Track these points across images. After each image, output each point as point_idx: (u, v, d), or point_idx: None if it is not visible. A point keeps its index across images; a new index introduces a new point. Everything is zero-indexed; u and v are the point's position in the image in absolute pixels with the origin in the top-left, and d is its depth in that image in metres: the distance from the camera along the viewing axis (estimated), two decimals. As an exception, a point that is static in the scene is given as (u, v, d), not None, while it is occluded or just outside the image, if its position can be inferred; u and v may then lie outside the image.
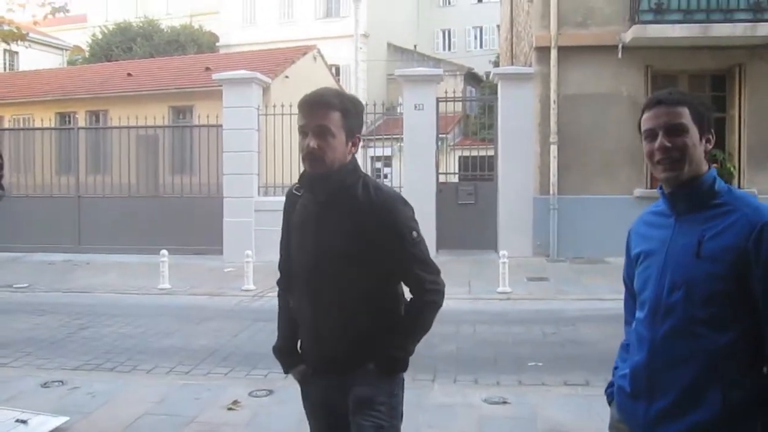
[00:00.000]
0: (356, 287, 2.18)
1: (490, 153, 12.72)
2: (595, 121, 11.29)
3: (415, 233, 2.20)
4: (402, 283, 2.30)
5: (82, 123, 17.49)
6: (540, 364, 5.68)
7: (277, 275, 2.44)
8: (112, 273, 10.43)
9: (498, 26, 28.36)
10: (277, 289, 2.48)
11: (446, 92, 12.05)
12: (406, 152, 11.88)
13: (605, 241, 10.41)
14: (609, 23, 11.23)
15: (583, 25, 11.36)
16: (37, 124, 14.56)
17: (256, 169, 12.06)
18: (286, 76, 18.71)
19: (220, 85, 12.47)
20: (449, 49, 39.14)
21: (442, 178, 12.53)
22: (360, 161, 9.18)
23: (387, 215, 2.16)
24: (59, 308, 8.16)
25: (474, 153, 13.29)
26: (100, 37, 31.53)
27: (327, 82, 21.83)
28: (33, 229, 12.79)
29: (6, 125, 18.79)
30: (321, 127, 2.13)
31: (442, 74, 12.34)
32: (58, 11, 17.48)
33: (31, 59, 28.57)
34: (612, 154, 11.16)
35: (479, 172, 12.69)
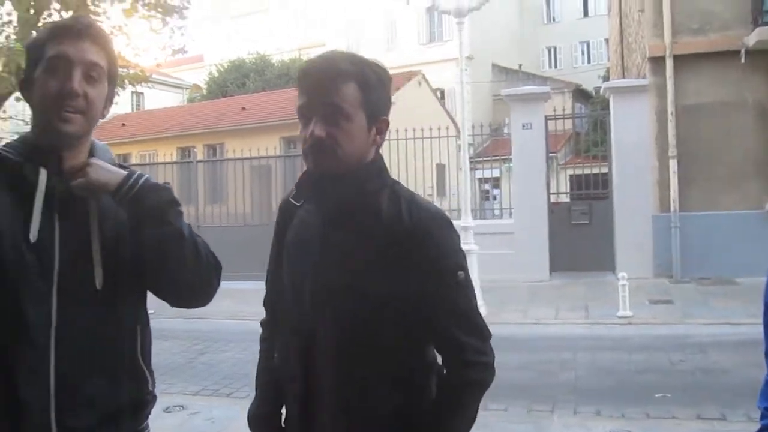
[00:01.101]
0: (370, 348, 1.47)
1: (603, 170, 12.26)
2: (717, 132, 10.61)
3: (461, 273, 1.50)
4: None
5: (200, 156, 18.46)
6: (668, 395, 5.29)
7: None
8: (228, 299, 10.79)
9: (606, 40, 27.57)
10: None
11: (554, 110, 11.75)
12: (515, 172, 11.65)
13: (734, 259, 9.75)
14: (728, 28, 10.58)
15: (699, 31, 10.76)
16: (160, 159, 15.49)
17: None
18: (392, 103, 18.93)
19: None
20: (555, 66, 38.38)
21: (553, 198, 12.18)
22: (468, 184, 8.97)
23: (424, 241, 1.47)
24: (180, 334, 8.49)
25: (586, 171, 12.85)
26: (216, 74, 33.23)
27: (432, 106, 21.94)
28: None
29: (133, 161, 20.06)
30: (330, 107, 1.45)
31: (550, 92, 12.06)
32: (177, 52, 18.62)
33: (156, 98, 30.54)
34: (738, 165, 10.43)
35: (593, 191, 12.24)
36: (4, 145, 1.49)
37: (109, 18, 16.49)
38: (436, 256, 1.48)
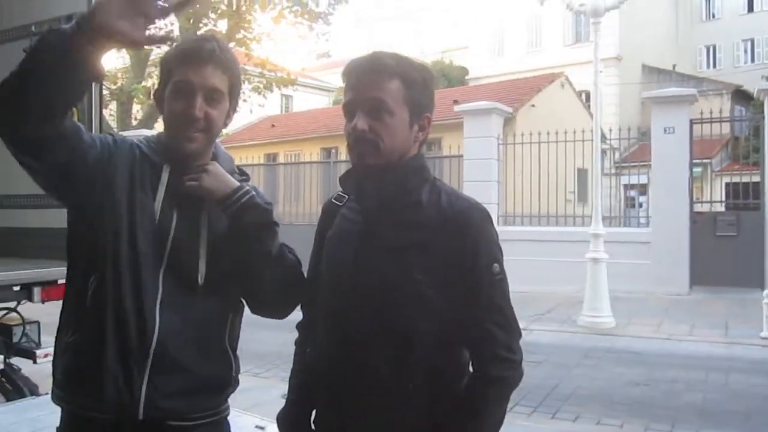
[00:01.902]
0: (407, 338, 1.50)
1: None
2: None
3: (497, 266, 1.53)
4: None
5: (343, 157, 19.16)
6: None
7: None
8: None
9: (773, 37, 25.42)
10: None
11: (711, 112, 11.00)
12: (655, 179, 11.12)
13: None
14: None
15: None
16: (305, 159, 16.34)
17: (496, 198, 12.10)
18: (533, 105, 18.60)
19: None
20: (714, 66, 35.79)
21: (704, 208, 11.51)
22: (600, 190, 8.72)
23: (461, 233, 1.50)
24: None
25: (744, 179, 11.95)
26: (361, 77, 34.20)
27: (575, 108, 21.28)
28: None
29: (281, 160, 21.14)
30: (374, 101, 1.52)
31: (696, 94, 11.36)
32: (322, 56, 19.40)
33: (304, 101, 31.92)
34: None
35: (743, 201, 11.39)
36: (144, 137, 1.71)
37: (260, 25, 17.63)
38: (474, 246, 1.50)
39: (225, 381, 1.69)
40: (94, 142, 1.57)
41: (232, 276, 1.64)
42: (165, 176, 1.62)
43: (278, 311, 1.72)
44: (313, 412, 1.70)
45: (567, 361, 6.78)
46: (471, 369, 1.55)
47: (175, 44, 1.68)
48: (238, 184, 1.63)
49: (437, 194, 1.56)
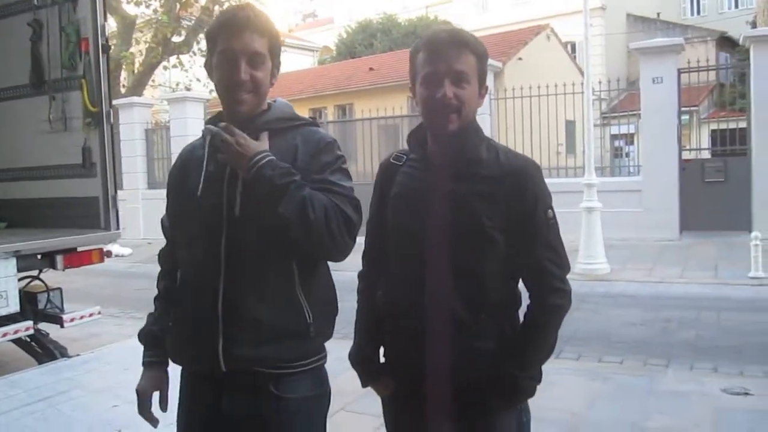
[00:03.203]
0: (478, 277, 1.74)
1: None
2: None
3: (550, 212, 1.78)
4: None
5: (330, 117, 19.16)
6: (793, 355, 5.20)
7: None
8: (359, 253, 11.39)
9: (757, -19, 25.37)
10: None
11: (698, 61, 11.17)
12: (644, 129, 11.32)
13: None
14: None
15: None
16: (294, 121, 16.36)
17: (489, 154, 12.24)
18: (520, 58, 18.64)
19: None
20: (698, 13, 35.60)
21: (691, 155, 11.74)
22: (592, 140, 8.89)
23: (521, 184, 1.74)
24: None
25: (731, 126, 12.17)
26: (345, 36, 33.86)
27: (562, 60, 21.35)
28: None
29: (269, 123, 21.15)
30: (459, 73, 1.72)
31: (683, 43, 11.46)
32: (308, 17, 19.22)
33: (289, 61, 31.67)
34: None
35: (730, 147, 11.64)
36: (209, 119, 1.86)
37: (245, -13, 17.46)
38: (533, 195, 1.74)
39: (298, 331, 1.73)
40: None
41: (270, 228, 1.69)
42: (207, 141, 1.78)
43: (335, 251, 1.71)
44: (381, 349, 1.93)
45: (566, 306, 7.04)
46: (529, 299, 1.79)
47: (215, 17, 1.83)
48: (255, 152, 1.67)
49: (495, 151, 1.79)
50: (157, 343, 1.90)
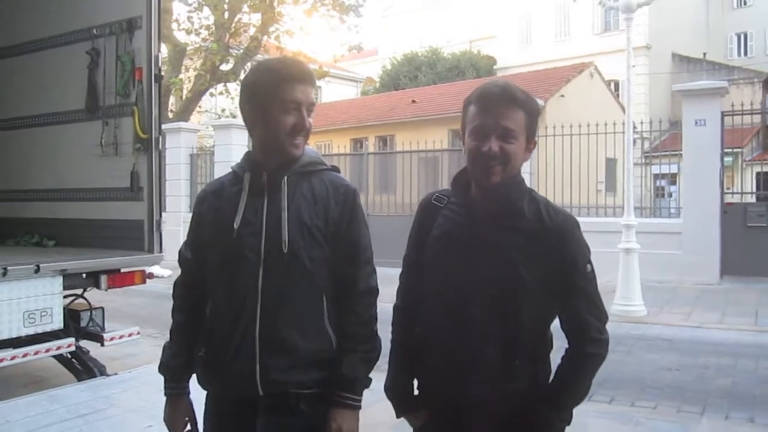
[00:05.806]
0: (514, 327, 1.80)
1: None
2: None
3: (589, 266, 1.83)
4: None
5: (372, 148, 19.38)
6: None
7: None
8: (391, 286, 11.44)
9: (807, 24, 25.02)
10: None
11: (742, 104, 11.02)
12: (685, 171, 11.21)
13: None
14: None
15: None
16: (334, 150, 16.60)
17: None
18: (562, 95, 18.66)
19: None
20: (745, 54, 35.22)
21: (734, 198, 11.57)
22: (632, 180, 8.87)
23: (561, 239, 1.79)
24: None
25: (773, 169, 11.99)
26: (389, 68, 34.28)
27: (604, 98, 21.28)
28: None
29: (310, 151, 21.52)
30: (506, 130, 1.77)
31: (727, 86, 11.36)
32: (353, 49, 19.59)
33: (332, 91, 32.18)
34: None
35: (773, 191, 11.45)
36: (237, 164, 2.01)
37: (292, 19, 17.92)
38: (572, 252, 1.80)
39: (327, 357, 1.88)
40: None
41: (316, 260, 1.88)
42: (246, 181, 1.92)
43: None
44: (415, 382, 2.00)
45: (600, 348, 6.95)
46: (568, 345, 1.85)
47: (263, 68, 1.95)
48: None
49: (536, 205, 1.83)
50: (180, 377, 2.03)
